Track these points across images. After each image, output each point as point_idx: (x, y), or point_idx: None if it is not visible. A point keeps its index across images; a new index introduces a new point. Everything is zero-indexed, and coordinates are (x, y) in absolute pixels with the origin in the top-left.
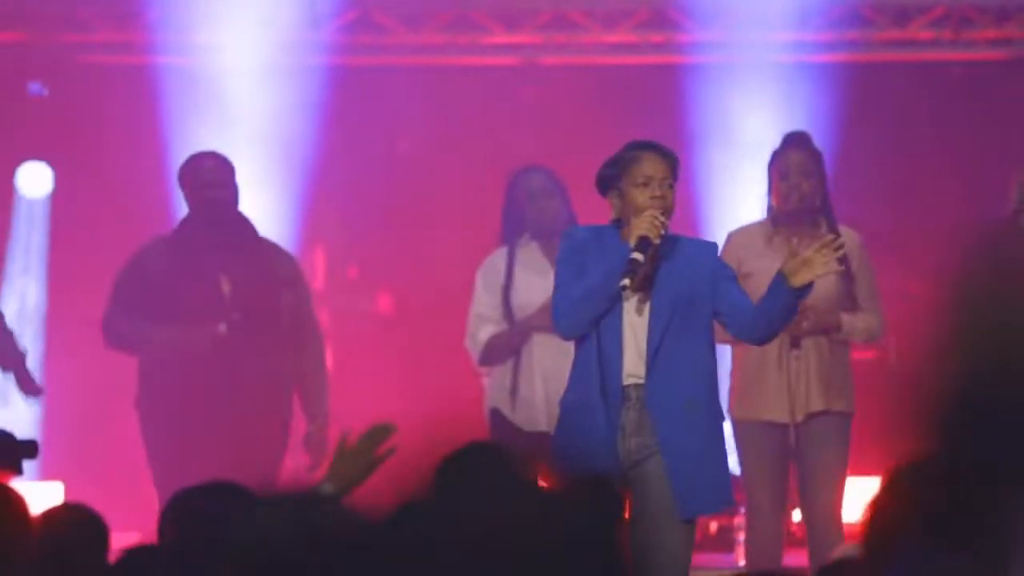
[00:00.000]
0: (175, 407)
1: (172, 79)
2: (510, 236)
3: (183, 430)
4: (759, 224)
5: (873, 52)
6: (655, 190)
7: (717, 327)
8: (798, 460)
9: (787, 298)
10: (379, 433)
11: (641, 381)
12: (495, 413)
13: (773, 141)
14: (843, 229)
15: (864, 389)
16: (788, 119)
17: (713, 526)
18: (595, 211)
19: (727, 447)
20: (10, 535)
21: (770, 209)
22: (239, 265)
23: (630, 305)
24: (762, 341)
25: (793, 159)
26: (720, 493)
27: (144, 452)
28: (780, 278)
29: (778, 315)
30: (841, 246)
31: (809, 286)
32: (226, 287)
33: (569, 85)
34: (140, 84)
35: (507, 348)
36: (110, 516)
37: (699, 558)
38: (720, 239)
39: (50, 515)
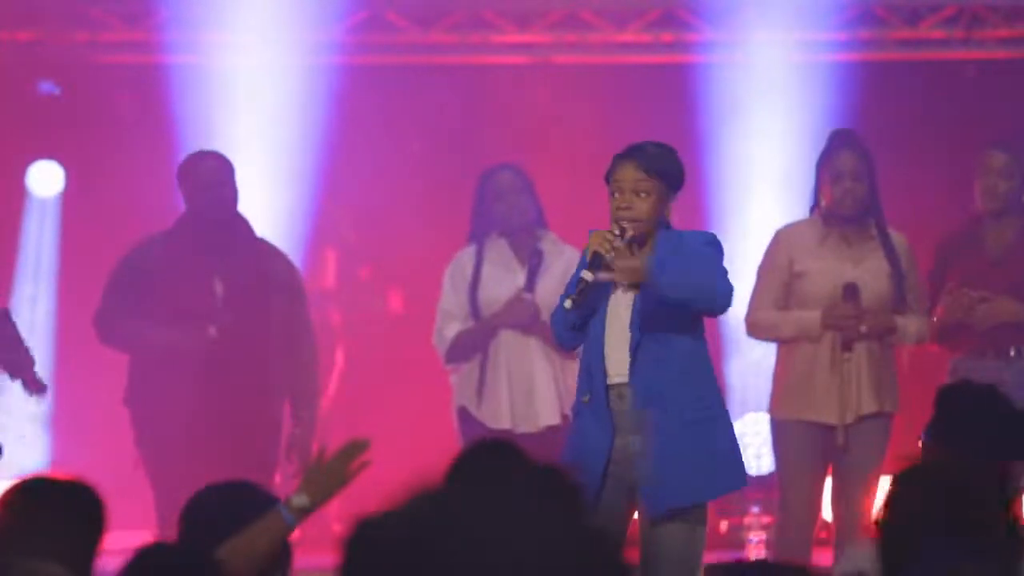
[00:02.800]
0: (165, 406)
1: (184, 78)
2: (479, 234)
3: (173, 429)
4: (810, 223)
5: (885, 51)
6: (621, 200)
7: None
8: (840, 461)
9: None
10: (355, 448)
11: (620, 380)
12: (462, 411)
13: (785, 140)
14: (892, 232)
15: None
16: (799, 119)
17: (724, 525)
18: (602, 210)
19: (741, 441)
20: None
21: (816, 208)
22: (232, 267)
23: (619, 307)
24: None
25: (846, 161)
26: (696, 482)
27: (135, 449)
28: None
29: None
30: (623, 234)
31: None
32: (218, 288)
33: (581, 84)
34: (152, 83)
35: (473, 345)
36: (116, 514)
37: (708, 557)
38: (730, 236)
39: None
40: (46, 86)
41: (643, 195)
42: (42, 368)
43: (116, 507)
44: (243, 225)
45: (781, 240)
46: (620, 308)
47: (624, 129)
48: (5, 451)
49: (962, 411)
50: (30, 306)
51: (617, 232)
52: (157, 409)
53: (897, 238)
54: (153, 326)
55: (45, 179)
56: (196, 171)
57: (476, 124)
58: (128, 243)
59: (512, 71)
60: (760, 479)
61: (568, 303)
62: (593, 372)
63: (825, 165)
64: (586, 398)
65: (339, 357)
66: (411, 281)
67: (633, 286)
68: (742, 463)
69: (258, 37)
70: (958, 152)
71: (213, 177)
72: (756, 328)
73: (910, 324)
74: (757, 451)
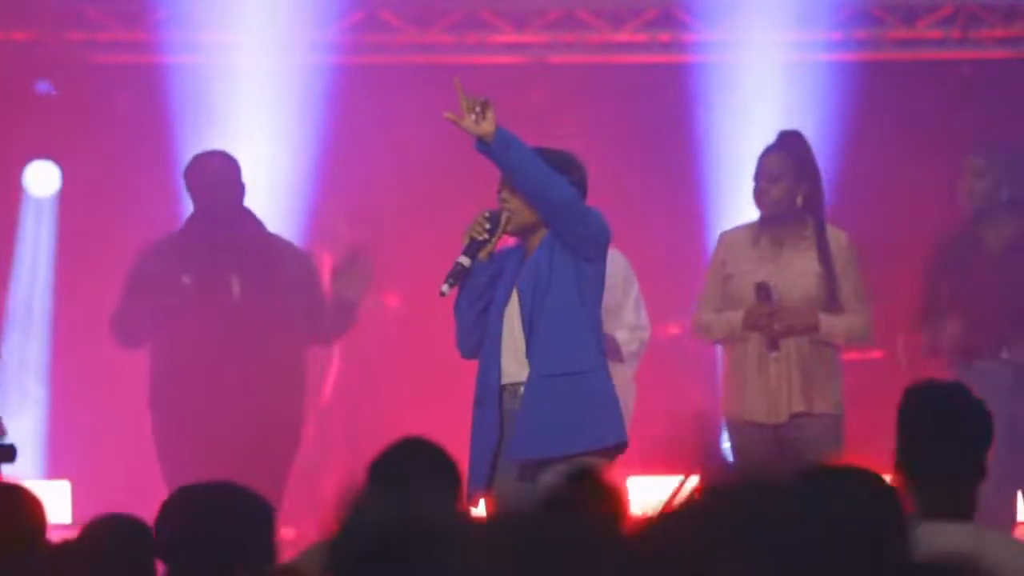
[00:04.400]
0: (188, 408)
1: (180, 78)
2: None
3: (196, 432)
4: (748, 226)
5: (881, 51)
6: (502, 191)
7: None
8: (779, 460)
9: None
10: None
11: (519, 380)
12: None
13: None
14: (831, 229)
15: (869, 389)
16: (796, 118)
17: None
18: (600, 207)
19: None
20: (26, 535)
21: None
22: (246, 264)
23: (513, 309)
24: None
25: (766, 161)
26: (564, 434)
27: (156, 452)
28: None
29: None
30: (485, 106)
31: (503, 143)
32: (235, 287)
33: (577, 84)
34: (148, 83)
35: None
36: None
37: None
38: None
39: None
40: (43, 86)
41: (511, 193)
42: (38, 368)
43: (114, 507)
44: (253, 221)
45: (720, 243)
46: (513, 312)
47: (621, 129)
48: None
49: (925, 412)
50: (26, 306)
51: (486, 218)
52: (181, 412)
53: (836, 237)
54: (132, 299)
55: (42, 179)
56: (202, 171)
57: None
58: (124, 242)
59: (509, 71)
60: None
61: (445, 287)
62: (490, 374)
63: (757, 165)
64: (479, 400)
65: (336, 357)
66: (409, 281)
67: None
68: (617, 420)
69: (255, 37)
70: (955, 152)
71: (219, 176)
72: (696, 329)
73: (838, 322)
74: None
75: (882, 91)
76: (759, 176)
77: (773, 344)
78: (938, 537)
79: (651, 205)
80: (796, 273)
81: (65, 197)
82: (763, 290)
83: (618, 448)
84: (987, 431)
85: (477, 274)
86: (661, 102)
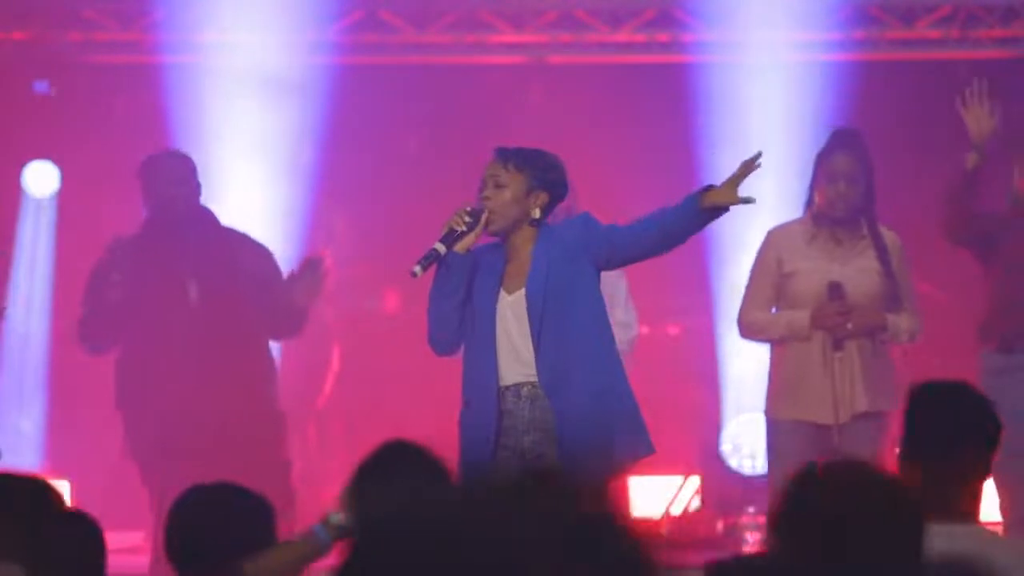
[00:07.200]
0: (154, 406)
1: (178, 78)
2: None
3: (163, 430)
4: (800, 223)
5: (880, 51)
6: (484, 190)
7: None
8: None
9: (693, 217)
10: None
11: (521, 380)
12: None
13: (780, 140)
14: (884, 231)
15: None
16: (795, 118)
17: (720, 525)
18: (601, 208)
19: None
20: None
21: (810, 205)
22: (203, 263)
23: (506, 311)
24: (663, 253)
25: (842, 163)
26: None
27: (126, 451)
28: (695, 197)
29: (678, 232)
30: (758, 166)
31: (717, 212)
32: (192, 287)
33: (576, 84)
34: (146, 83)
35: None
36: (115, 515)
37: (706, 555)
38: (724, 237)
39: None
40: (41, 86)
41: (495, 187)
42: (37, 368)
43: (111, 508)
44: (208, 219)
45: (771, 241)
46: (511, 313)
47: (620, 129)
48: None
49: (932, 413)
50: (25, 306)
51: (467, 212)
52: (146, 410)
53: (889, 236)
54: (96, 300)
55: (40, 179)
56: (154, 171)
57: (471, 124)
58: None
59: (507, 71)
60: (757, 479)
61: (417, 268)
62: (484, 376)
63: (821, 165)
64: (469, 400)
65: (334, 358)
66: (407, 281)
67: (517, 287)
68: (646, 431)
69: (252, 37)
70: (953, 152)
71: (171, 176)
72: (748, 329)
73: (901, 321)
74: (752, 451)
75: (881, 91)
76: (834, 178)
77: (839, 344)
78: (942, 539)
79: (649, 205)
80: (859, 271)
81: (64, 197)
82: (837, 289)
83: (647, 456)
84: (994, 430)
85: (454, 266)
86: (660, 102)
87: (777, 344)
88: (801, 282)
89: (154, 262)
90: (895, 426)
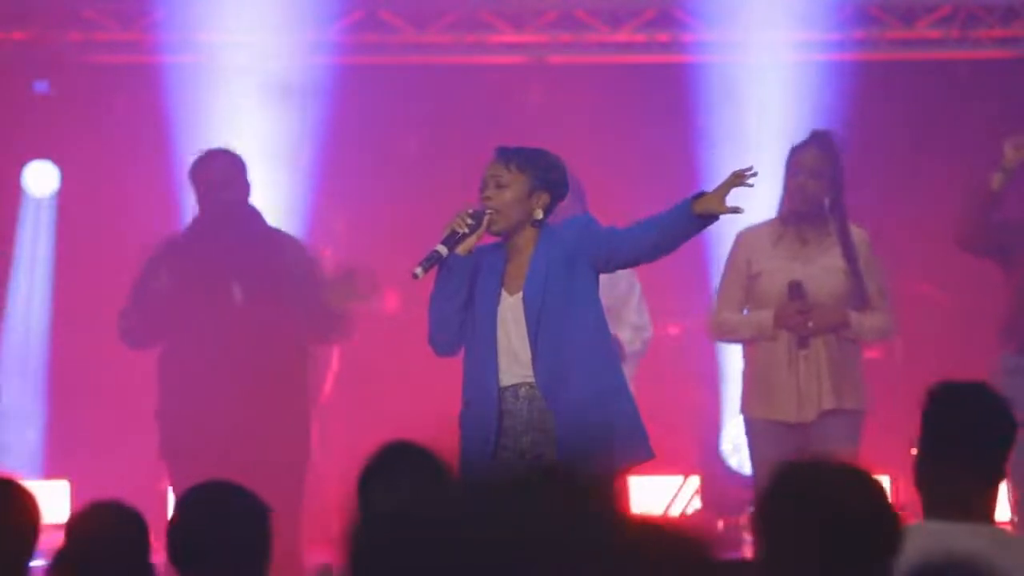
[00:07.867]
0: (195, 419)
1: (178, 78)
2: None
3: (203, 440)
4: (768, 224)
5: (880, 51)
6: (485, 190)
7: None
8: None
9: (686, 222)
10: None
11: (520, 381)
12: None
13: (780, 140)
14: (854, 228)
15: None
16: (795, 118)
17: (720, 525)
18: (602, 209)
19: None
20: (22, 531)
21: (781, 207)
22: (248, 265)
23: (506, 312)
24: (660, 256)
25: (805, 157)
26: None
27: (160, 461)
28: (688, 203)
29: (672, 237)
30: (754, 175)
31: (710, 219)
32: (236, 289)
33: (576, 84)
34: (146, 83)
35: None
36: None
37: None
38: (728, 238)
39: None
40: (41, 86)
41: (496, 188)
42: (36, 369)
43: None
44: (256, 220)
45: (740, 242)
46: (510, 315)
47: (620, 129)
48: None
49: (950, 412)
50: (25, 305)
51: (469, 214)
52: (184, 410)
53: (857, 233)
54: (141, 300)
55: (40, 179)
56: (206, 171)
57: (471, 124)
58: (122, 242)
59: (507, 71)
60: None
61: (419, 270)
62: (485, 376)
63: (788, 161)
64: (469, 401)
65: (334, 358)
66: (407, 281)
67: (518, 288)
68: (645, 435)
69: (252, 37)
70: (953, 152)
71: (222, 177)
72: (719, 330)
73: (867, 320)
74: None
75: (880, 91)
76: (797, 171)
77: (803, 342)
78: (957, 539)
79: (649, 205)
80: (823, 270)
81: (64, 197)
82: (796, 288)
83: (646, 461)
84: (1010, 432)
85: (456, 268)
86: (659, 102)
87: (747, 344)
88: (766, 282)
89: (200, 261)
90: (870, 424)
